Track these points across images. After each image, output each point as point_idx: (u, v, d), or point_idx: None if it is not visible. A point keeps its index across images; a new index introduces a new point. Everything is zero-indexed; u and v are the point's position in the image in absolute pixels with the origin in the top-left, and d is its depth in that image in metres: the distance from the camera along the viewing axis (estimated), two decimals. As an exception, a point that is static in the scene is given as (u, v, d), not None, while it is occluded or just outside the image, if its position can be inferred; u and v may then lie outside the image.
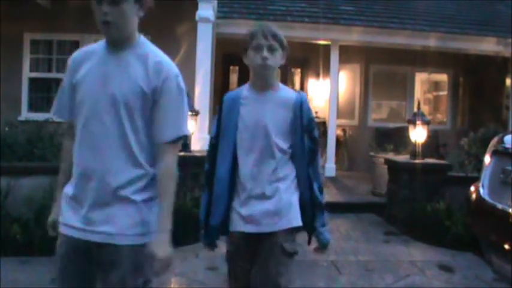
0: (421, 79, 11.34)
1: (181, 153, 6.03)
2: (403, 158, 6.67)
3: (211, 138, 2.53)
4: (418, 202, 5.89)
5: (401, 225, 6.05)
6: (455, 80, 11.12)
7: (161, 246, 1.85)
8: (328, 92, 9.62)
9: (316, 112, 10.67)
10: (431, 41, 9.00)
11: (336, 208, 6.84)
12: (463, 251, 5.09)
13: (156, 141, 1.93)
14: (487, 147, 3.77)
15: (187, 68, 7.53)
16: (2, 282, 3.81)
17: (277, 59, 2.35)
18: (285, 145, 2.37)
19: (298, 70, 11.54)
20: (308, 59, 10.92)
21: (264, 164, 2.35)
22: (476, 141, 6.72)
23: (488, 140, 4.02)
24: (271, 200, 2.34)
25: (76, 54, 2.06)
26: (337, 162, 9.34)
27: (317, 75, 10.95)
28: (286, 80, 11.57)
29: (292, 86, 11.97)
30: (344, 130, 10.42)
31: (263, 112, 2.36)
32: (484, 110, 10.03)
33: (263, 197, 2.34)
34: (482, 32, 9.17)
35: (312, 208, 2.41)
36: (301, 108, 2.37)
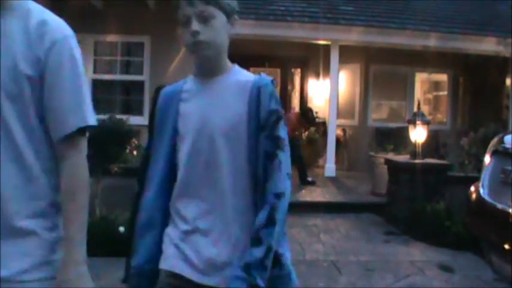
0: (421, 79, 11.34)
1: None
2: (403, 158, 6.68)
3: (144, 150, 1.83)
4: (418, 202, 5.90)
5: (401, 225, 6.05)
6: (455, 80, 11.12)
7: (81, 281, 1.32)
8: (328, 92, 9.62)
9: (316, 112, 10.68)
10: (431, 41, 9.00)
11: (336, 208, 6.89)
12: (463, 251, 5.09)
13: (53, 137, 1.37)
14: (487, 147, 3.77)
15: (188, 68, 7.54)
16: (2, 282, 3.81)
17: (216, 31, 1.61)
18: (243, 155, 1.60)
19: (298, 70, 11.55)
20: (308, 59, 10.92)
21: (212, 185, 1.60)
22: (476, 141, 6.71)
23: (488, 140, 4.02)
24: (221, 242, 1.58)
25: None
26: (337, 162, 9.34)
27: (317, 75, 10.95)
28: (287, 80, 11.60)
29: (292, 86, 11.99)
30: (344, 130, 10.42)
31: (210, 108, 1.63)
32: (484, 110, 10.02)
33: (210, 234, 1.60)
34: (482, 32, 9.17)
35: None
36: (258, 97, 1.60)
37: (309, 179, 8.26)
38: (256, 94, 1.61)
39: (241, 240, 1.57)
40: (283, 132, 1.62)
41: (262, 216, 1.53)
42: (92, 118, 1.41)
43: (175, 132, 1.66)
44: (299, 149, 8.47)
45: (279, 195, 1.56)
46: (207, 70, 1.69)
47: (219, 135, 1.60)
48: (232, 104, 1.63)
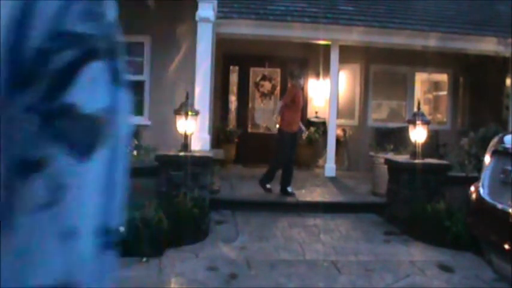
0: (421, 79, 11.34)
1: (182, 153, 6.04)
2: (403, 158, 6.68)
3: None
4: (418, 202, 5.89)
5: (401, 225, 6.05)
6: (455, 80, 11.12)
7: None
8: (328, 92, 9.62)
9: (316, 112, 10.68)
10: (431, 41, 9.00)
11: (336, 208, 6.88)
12: (463, 251, 5.09)
13: None
14: (487, 147, 3.77)
15: (187, 68, 7.54)
16: (2, 282, 3.81)
17: None
18: None
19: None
20: (308, 59, 10.92)
21: None
22: (476, 141, 6.72)
23: (488, 140, 4.02)
24: None
25: None
26: (337, 162, 9.34)
27: (317, 75, 10.95)
28: (287, 80, 11.58)
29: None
30: (344, 130, 10.42)
31: None
32: (484, 110, 10.02)
33: None
34: (482, 32, 9.18)
35: None
36: None
37: (268, 186, 7.35)
38: None
39: None
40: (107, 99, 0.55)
41: None
42: None
43: None
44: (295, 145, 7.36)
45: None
46: None
47: None
48: None
